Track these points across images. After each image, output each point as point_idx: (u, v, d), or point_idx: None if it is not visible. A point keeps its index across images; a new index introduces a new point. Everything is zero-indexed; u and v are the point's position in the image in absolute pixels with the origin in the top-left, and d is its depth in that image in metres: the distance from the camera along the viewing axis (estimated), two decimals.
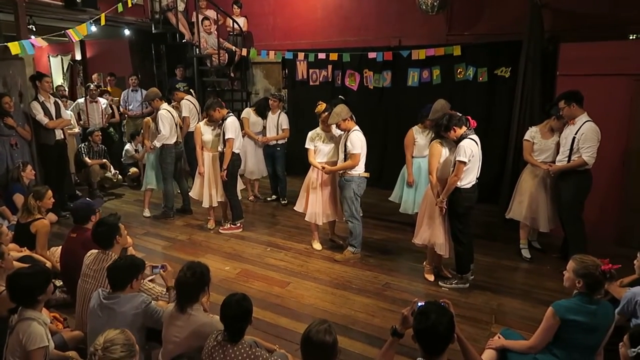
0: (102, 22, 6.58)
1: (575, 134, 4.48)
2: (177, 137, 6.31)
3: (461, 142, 4.05)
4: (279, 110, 6.83)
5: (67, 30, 5.87)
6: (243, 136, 6.48)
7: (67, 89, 8.99)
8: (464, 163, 4.02)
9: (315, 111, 5.37)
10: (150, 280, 3.64)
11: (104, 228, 3.44)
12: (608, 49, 5.22)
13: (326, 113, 5.11)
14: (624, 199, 5.34)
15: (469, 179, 4.16)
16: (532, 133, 4.95)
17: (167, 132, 6.06)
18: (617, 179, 5.29)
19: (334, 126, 5.08)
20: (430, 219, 4.42)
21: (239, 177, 6.10)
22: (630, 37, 5.52)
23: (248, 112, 6.93)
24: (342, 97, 6.43)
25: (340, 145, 4.96)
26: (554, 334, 2.68)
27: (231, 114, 5.75)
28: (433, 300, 2.36)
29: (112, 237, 3.45)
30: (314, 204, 5.23)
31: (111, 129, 8.46)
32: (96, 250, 3.43)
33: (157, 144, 6.14)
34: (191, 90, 7.51)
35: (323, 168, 5.01)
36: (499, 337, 3.02)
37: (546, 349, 2.74)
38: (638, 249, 3.17)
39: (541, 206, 4.91)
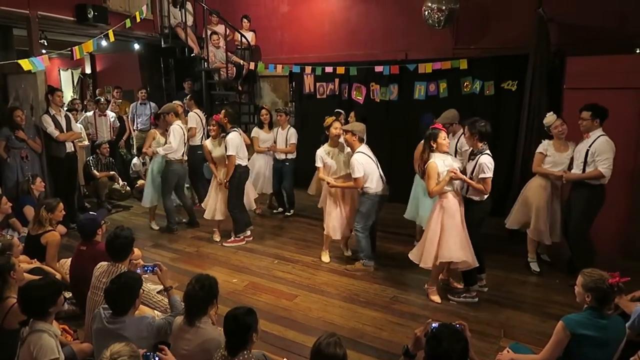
0: (112, 39, 6.67)
1: (589, 147, 4.49)
2: (184, 155, 6.37)
3: (482, 157, 4.12)
4: (288, 125, 6.88)
5: (73, 48, 5.95)
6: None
7: (81, 103, 9.09)
8: (491, 177, 4.11)
9: (324, 124, 5.43)
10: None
11: (122, 241, 3.44)
12: (615, 62, 5.23)
13: (337, 123, 5.24)
14: (632, 212, 5.31)
15: None
16: (545, 146, 4.92)
17: (176, 144, 6.10)
18: (624, 192, 5.26)
19: (342, 139, 5.15)
20: (452, 237, 4.21)
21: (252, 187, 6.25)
22: (637, 51, 5.55)
23: (257, 132, 6.94)
24: (340, 110, 6.49)
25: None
26: (563, 348, 2.67)
27: (235, 128, 5.80)
28: (448, 323, 2.29)
29: (128, 251, 3.47)
30: (337, 218, 5.26)
31: (123, 150, 8.56)
32: (106, 263, 3.45)
33: (162, 152, 6.17)
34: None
35: (328, 183, 5.11)
36: (507, 352, 3.01)
37: None
38: None
39: (547, 219, 4.90)
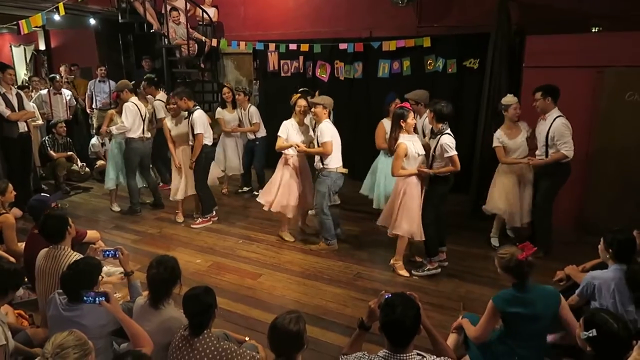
0: (62, 12, 6.31)
1: (548, 130, 4.59)
2: (144, 132, 6.18)
3: (442, 138, 4.20)
4: (249, 105, 6.75)
5: (19, 21, 5.62)
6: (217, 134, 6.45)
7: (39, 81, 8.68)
8: (455, 154, 4.21)
9: (291, 102, 5.40)
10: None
11: (53, 221, 3.31)
12: (572, 41, 5.34)
13: (302, 100, 5.21)
14: (588, 188, 5.49)
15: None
16: (499, 137, 4.99)
17: (129, 124, 5.93)
18: (580, 168, 5.41)
19: (308, 118, 5.14)
20: (407, 211, 4.38)
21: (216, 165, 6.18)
22: (593, 30, 5.68)
23: (221, 112, 6.80)
24: (306, 89, 6.44)
25: (315, 138, 4.99)
26: (495, 325, 2.77)
27: (198, 107, 5.68)
28: (400, 292, 2.35)
29: (63, 230, 3.30)
30: (295, 197, 5.24)
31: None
32: (46, 248, 3.30)
33: (115, 131, 6.03)
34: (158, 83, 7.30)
35: (297, 146, 5.03)
36: None
37: (501, 339, 2.80)
38: (601, 236, 3.26)
39: (517, 202, 4.99)
